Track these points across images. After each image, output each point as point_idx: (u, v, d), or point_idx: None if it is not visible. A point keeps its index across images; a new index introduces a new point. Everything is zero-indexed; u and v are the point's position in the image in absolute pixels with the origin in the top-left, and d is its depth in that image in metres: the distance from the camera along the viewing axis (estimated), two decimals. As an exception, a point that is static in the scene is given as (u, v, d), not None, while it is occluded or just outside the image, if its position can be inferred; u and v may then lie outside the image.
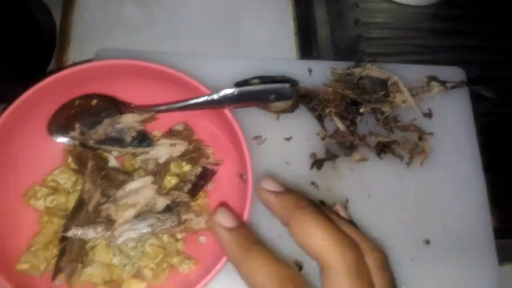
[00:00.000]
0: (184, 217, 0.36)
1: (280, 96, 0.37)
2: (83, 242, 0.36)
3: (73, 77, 0.38)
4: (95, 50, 0.46)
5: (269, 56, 0.49)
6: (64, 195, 0.37)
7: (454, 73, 0.49)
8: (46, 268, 0.36)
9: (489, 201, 0.45)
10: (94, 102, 0.39)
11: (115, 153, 0.39)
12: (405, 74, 0.47)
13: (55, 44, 0.49)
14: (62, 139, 0.40)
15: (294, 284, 0.28)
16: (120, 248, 0.37)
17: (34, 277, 0.36)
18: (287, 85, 0.37)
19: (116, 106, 0.39)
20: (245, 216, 0.36)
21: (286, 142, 0.45)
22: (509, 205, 0.50)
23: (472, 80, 0.49)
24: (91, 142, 0.39)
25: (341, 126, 0.44)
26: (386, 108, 0.45)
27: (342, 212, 0.35)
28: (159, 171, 0.37)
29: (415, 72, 0.48)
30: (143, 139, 0.38)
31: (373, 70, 0.45)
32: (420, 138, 0.46)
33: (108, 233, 0.34)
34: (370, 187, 0.44)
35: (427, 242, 0.43)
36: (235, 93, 0.36)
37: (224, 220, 0.32)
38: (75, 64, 0.38)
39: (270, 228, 0.41)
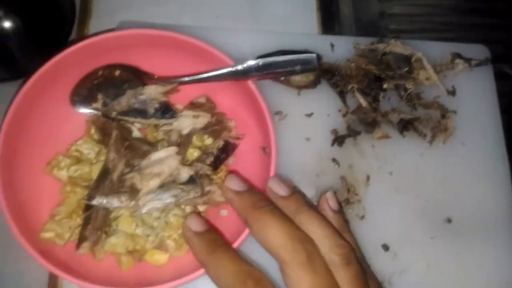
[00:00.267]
0: (207, 188, 0.36)
1: (306, 66, 0.37)
2: (107, 211, 0.36)
3: (96, 47, 0.38)
4: (115, 23, 0.46)
5: (290, 31, 0.48)
6: (88, 165, 0.37)
7: (478, 51, 0.48)
8: (70, 237, 0.37)
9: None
10: (117, 72, 0.38)
11: (137, 125, 0.39)
12: (429, 51, 0.46)
13: (75, 17, 0.49)
14: (84, 110, 0.39)
15: (254, 281, 0.29)
16: (143, 218, 0.37)
17: (57, 246, 0.37)
18: (314, 55, 0.37)
19: (139, 77, 0.39)
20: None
21: (307, 118, 0.44)
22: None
23: (496, 58, 0.48)
24: (113, 114, 0.39)
25: (363, 102, 0.44)
26: (409, 85, 0.44)
27: (331, 202, 0.35)
28: (182, 143, 0.37)
29: (439, 50, 0.47)
30: (166, 110, 0.38)
31: (397, 46, 0.45)
32: (443, 116, 0.45)
33: (132, 202, 0.34)
34: (391, 164, 0.44)
35: (449, 220, 0.43)
36: (260, 64, 0.36)
37: (194, 224, 0.34)
38: (96, 34, 0.37)
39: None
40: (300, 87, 0.44)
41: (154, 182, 0.34)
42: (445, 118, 0.45)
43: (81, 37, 0.47)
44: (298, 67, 0.37)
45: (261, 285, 0.29)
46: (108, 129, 0.37)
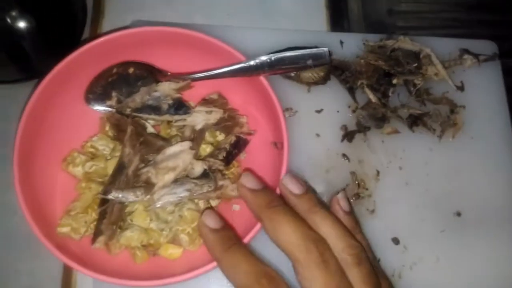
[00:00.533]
0: (220, 182, 0.37)
1: (318, 61, 0.37)
2: (122, 206, 0.36)
3: (109, 45, 0.39)
4: (128, 23, 0.46)
5: (300, 29, 0.49)
6: (103, 161, 0.38)
7: (486, 47, 0.48)
8: (85, 232, 0.37)
9: (520, 175, 0.45)
10: (131, 70, 0.39)
11: (151, 122, 0.40)
12: (437, 47, 0.47)
13: (86, 17, 0.49)
14: (99, 108, 0.40)
15: (268, 280, 0.30)
16: (157, 213, 0.37)
17: (73, 240, 0.37)
18: (325, 49, 0.37)
19: (152, 74, 0.39)
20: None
21: (317, 114, 0.45)
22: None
23: (504, 54, 0.48)
24: (128, 110, 0.39)
25: (373, 97, 0.44)
26: (418, 81, 0.45)
27: (342, 203, 0.36)
28: (195, 138, 0.38)
29: (447, 45, 0.47)
30: (180, 107, 0.39)
31: (406, 42, 0.45)
32: (452, 111, 0.45)
33: (148, 196, 0.35)
34: (401, 159, 0.44)
35: (458, 214, 0.43)
36: (272, 59, 0.37)
37: (209, 221, 0.35)
38: (109, 32, 0.38)
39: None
40: (310, 84, 0.45)
41: (169, 176, 0.35)
42: (454, 113, 0.45)
43: (94, 36, 0.48)
44: (310, 62, 0.38)
45: (275, 284, 0.30)
46: (123, 126, 0.38)
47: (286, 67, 0.38)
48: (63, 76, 0.39)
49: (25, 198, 0.35)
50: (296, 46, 0.45)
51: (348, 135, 0.44)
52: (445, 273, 0.41)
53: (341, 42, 0.47)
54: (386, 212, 0.42)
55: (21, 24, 0.44)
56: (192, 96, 0.42)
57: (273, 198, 0.34)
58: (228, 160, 0.40)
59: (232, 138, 0.40)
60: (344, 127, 0.45)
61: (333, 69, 0.45)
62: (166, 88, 0.39)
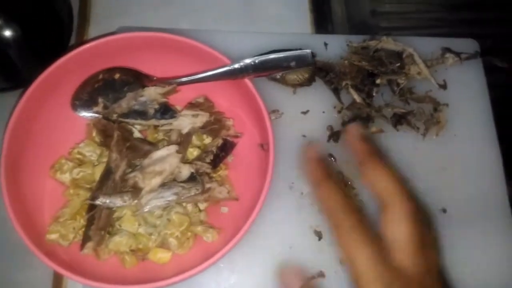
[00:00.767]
0: (207, 185, 0.37)
1: (301, 62, 0.38)
2: (110, 211, 0.37)
3: (95, 51, 0.39)
4: (114, 29, 0.47)
5: (285, 32, 0.49)
6: (90, 167, 0.38)
7: (467, 45, 0.49)
8: (74, 238, 0.38)
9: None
10: (117, 76, 0.39)
11: (138, 127, 0.40)
12: (420, 46, 0.47)
13: (73, 25, 0.49)
14: (85, 114, 0.40)
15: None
16: (145, 217, 0.38)
17: (62, 247, 0.37)
18: (308, 51, 0.38)
19: (138, 80, 0.40)
20: (266, 187, 0.37)
21: (303, 115, 0.45)
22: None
23: (486, 51, 0.49)
24: (114, 116, 0.39)
25: (357, 98, 0.45)
26: (401, 80, 0.45)
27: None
28: (182, 141, 0.38)
29: (429, 45, 0.48)
30: (166, 111, 0.39)
31: (389, 43, 0.46)
32: (435, 109, 0.46)
33: (135, 201, 0.35)
34: (386, 158, 0.45)
35: (444, 210, 0.44)
36: (256, 61, 0.37)
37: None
38: (95, 38, 0.38)
39: (291, 200, 0.42)
40: (295, 86, 0.45)
41: (156, 180, 0.35)
42: (437, 111, 0.46)
43: (80, 43, 0.48)
44: (293, 63, 0.38)
45: None
46: (110, 131, 0.38)
47: (270, 69, 0.39)
48: (49, 83, 0.39)
49: (13, 206, 0.35)
50: (281, 48, 0.45)
51: (334, 135, 0.45)
52: (432, 269, 0.42)
53: (325, 44, 0.47)
54: (373, 211, 0.43)
55: (7, 33, 0.44)
56: (178, 100, 0.42)
57: (376, 149, 0.36)
58: (215, 163, 0.40)
59: (219, 141, 0.40)
60: (330, 128, 0.45)
61: (317, 70, 0.45)
62: (152, 93, 0.39)
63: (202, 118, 0.39)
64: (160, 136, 0.40)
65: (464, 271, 0.42)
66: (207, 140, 0.41)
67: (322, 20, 0.51)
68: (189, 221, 0.37)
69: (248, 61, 0.38)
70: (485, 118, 0.47)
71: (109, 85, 0.40)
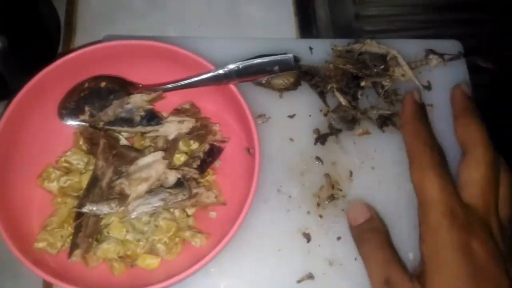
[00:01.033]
0: (195, 190, 0.37)
1: (284, 67, 0.39)
2: (98, 219, 0.37)
3: (80, 60, 0.39)
4: (100, 38, 0.47)
5: (270, 37, 0.50)
6: (77, 175, 0.39)
7: (451, 46, 0.50)
8: (62, 246, 0.38)
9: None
10: (103, 84, 0.40)
11: (125, 134, 0.40)
12: (404, 48, 0.48)
13: (60, 34, 0.50)
14: (72, 122, 0.41)
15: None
16: (133, 224, 0.38)
17: (51, 256, 0.38)
18: (290, 55, 0.38)
19: (124, 87, 0.40)
20: (252, 191, 0.37)
21: (290, 119, 0.46)
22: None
23: (469, 51, 0.50)
24: (101, 124, 0.40)
25: (343, 100, 0.45)
26: (386, 82, 0.46)
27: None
28: (168, 148, 0.38)
29: (413, 47, 0.49)
30: (152, 118, 0.39)
31: (373, 46, 0.46)
32: (420, 110, 0.47)
33: (122, 208, 0.36)
34: (373, 159, 0.45)
35: (431, 210, 0.44)
36: (240, 67, 0.38)
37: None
38: (81, 47, 0.39)
39: (279, 204, 0.43)
40: (281, 90, 0.46)
41: (142, 187, 0.35)
42: (422, 112, 0.46)
43: (66, 52, 0.48)
44: (276, 68, 0.39)
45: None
46: (96, 139, 0.38)
47: (254, 74, 0.39)
48: (35, 93, 0.39)
49: (1, 215, 0.35)
50: (266, 53, 0.46)
51: (321, 138, 0.45)
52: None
53: (310, 48, 0.48)
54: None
55: (-7, 44, 0.44)
56: (165, 106, 0.43)
57: (474, 107, 0.41)
58: (203, 168, 0.40)
59: (206, 146, 0.41)
60: (317, 131, 0.46)
61: (303, 74, 0.46)
62: (138, 100, 0.39)
63: (188, 124, 0.39)
64: (147, 142, 0.40)
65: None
66: (194, 145, 0.42)
67: (307, 23, 0.52)
68: (177, 226, 0.38)
69: (232, 66, 0.38)
70: (469, 118, 0.47)
71: (95, 93, 0.40)
